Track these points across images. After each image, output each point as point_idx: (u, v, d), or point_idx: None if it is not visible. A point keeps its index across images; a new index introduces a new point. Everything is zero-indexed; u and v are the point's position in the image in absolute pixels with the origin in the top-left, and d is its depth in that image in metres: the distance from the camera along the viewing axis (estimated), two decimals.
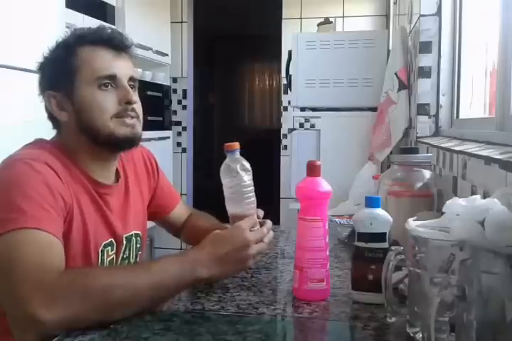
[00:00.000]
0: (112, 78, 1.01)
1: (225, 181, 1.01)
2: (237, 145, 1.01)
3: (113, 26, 0.98)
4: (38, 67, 1.05)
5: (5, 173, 0.91)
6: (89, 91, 1.00)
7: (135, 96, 1.04)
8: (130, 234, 1.11)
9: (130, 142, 1.04)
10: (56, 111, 1.03)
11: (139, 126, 1.05)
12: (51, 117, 1.06)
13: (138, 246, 1.14)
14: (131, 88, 1.05)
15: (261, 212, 1.08)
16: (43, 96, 1.04)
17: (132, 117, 1.03)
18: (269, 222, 1.06)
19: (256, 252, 0.98)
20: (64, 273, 0.84)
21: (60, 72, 1.02)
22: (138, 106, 1.05)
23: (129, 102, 1.02)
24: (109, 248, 1.05)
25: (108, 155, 1.06)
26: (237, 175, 1.00)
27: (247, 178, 1.01)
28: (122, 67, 1.03)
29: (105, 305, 0.80)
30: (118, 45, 1.04)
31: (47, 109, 1.05)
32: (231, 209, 1.03)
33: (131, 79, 1.05)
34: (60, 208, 0.92)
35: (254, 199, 1.03)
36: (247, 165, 1.01)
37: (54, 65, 1.03)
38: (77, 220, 0.97)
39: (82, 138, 1.02)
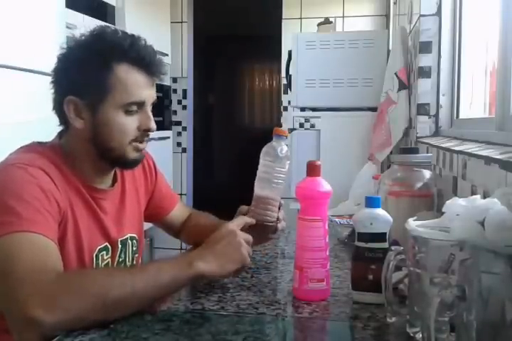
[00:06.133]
0: (140, 104, 1.01)
1: (263, 160, 1.04)
2: (286, 132, 1.06)
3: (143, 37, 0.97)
4: (59, 58, 1.01)
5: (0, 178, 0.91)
6: (115, 113, 0.99)
7: (155, 124, 1.04)
8: (125, 237, 1.11)
9: (134, 165, 1.07)
10: (72, 117, 1.00)
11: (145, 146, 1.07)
12: (61, 116, 1.03)
13: (134, 249, 1.14)
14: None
15: (282, 202, 1.11)
16: (60, 96, 1.01)
17: (145, 142, 1.04)
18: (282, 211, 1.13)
19: (245, 240, 0.99)
20: (61, 274, 0.84)
21: (91, 84, 0.98)
22: None
23: (149, 130, 1.03)
24: (104, 252, 1.05)
25: (109, 167, 1.07)
26: (276, 158, 1.03)
27: (285, 165, 1.04)
28: (150, 93, 1.03)
29: (103, 304, 0.80)
30: (154, 72, 1.03)
31: (57, 108, 1.02)
32: (258, 190, 1.06)
33: (154, 103, 1.06)
34: (55, 212, 0.92)
35: (282, 186, 1.06)
36: (289, 154, 1.05)
37: (85, 73, 0.98)
38: (71, 225, 0.97)
39: (89, 148, 1.02)
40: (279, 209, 1.10)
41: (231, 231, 0.98)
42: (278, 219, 1.09)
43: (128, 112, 1.00)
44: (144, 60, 1.01)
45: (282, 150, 1.03)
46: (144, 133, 1.03)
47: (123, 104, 0.99)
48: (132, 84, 0.99)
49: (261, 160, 1.04)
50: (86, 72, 0.98)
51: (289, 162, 1.05)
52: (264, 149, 1.04)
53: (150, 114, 1.03)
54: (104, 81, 0.98)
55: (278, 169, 1.03)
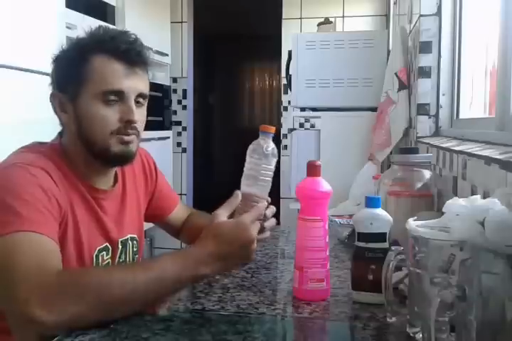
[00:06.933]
0: (118, 93, 0.99)
1: (250, 159, 1.02)
2: (273, 129, 1.02)
3: (133, 33, 0.96)
4: (52, 59, 1.03)
5: (0, 178, 0.91)
6: (94, 103, 0.98)
7: (138, 115, 1.01)
8: (125, 238, 1.10)
9: (123, 159, 1.04)
10: (58, 111, 1.03)
11: (136, 143, 1.03)
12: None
13: (135, 249, 1.14)
14: (138, 104, 1.03)
15: (269, 199, 1.05)
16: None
17: (131, 135, 1.01)
18: (273, 208, 1.04)
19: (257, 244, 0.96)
20: (62, 273, 0.84)
21: (69, 76, 1.00)
22: (140, 124, 1.03)
23: (130, 121, 1.00)
24: (104, 253, 1.05)
25: (103, 165, 1.05)
26: (263, 155, 1.00)
27: (272, 162, 1.02)
28: (132, 84, 1.00)
29: (103, 303, 0.80)
30: (133, 59, 1.00)
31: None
32: (245, 187, 1.03)
33: (140, 95, 1.03)
34: (56, 211, 0.92)
35: (269, 184, 1.03)
36: (276, 150, 1.02)
37: (66, 67, 1.01)
38: (71, 225, 0.97)
39: (78, 144, 1.02)
40: (267, 207, 1.05)
41: (249, 236, 0.91)
42: (265, 216, 1.04)
43: (107, 103, 0.98)
44: (121, 49, 0.99)
45: (268, 147, 1.01)
46: (126, 126, 0.99)
47: (99, 92, 0.98)
48: (108, 73, 0.98)
49: (247, 158, 1.02)
50: (65, 66, 1.02)
51: (275, 159, 1.02)
52: (251, 146, 1.02)
53: (132, 105, 1.00)
54: (80, 72, 0.98)
55: (264, 166, 1.01)
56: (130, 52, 1.00)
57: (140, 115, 1.03)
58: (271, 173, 1.02)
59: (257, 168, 1.01)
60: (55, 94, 1.03)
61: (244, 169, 1.03)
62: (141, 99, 1.03)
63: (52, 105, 1.04)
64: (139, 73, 1.02)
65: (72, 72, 1.00)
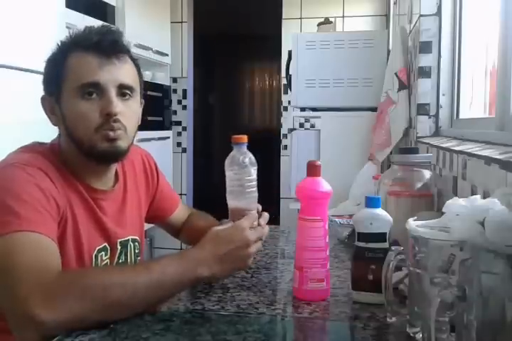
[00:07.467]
0: (95, 86, 0.96)
1: (229, 173, 0.99)
2: (245, 138, 0.99)
3: (113, 25, 0.95)
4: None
5: None
6: (73, 101, 0.97)
7: (121, 108, 0.98)
8: (126, 239, 1.10)
9: (111, 157, 1.02)
10: (48, 114, 1.04)
11: (126, 139, 1.00)
12: None
13: (137, 251, 1.13)
14: (125, 96, 1.00)
15: (260, 207, 1.05)
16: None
17: (117, 130, 0.98)
18: (266, 215, 1.04)
19: (255, 251, 0.98)
20: (62, 273, 0.84)
21: (51, 78, 1.01)
22: (125, 117, 0.99)
23: (109, 114, 0.96)
24: (103, 253, 1.04)
25: (96, 164, 1.03)
26: (242, 168, 0.98)
27: (252, 172, 0.99)
28: (109, 75, 0.97)
29: (104, 304, 0.80)
30: (106, 50, 0.97)
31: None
32: (232, 202, 1.01)
33: (123, 86, 0.99)
34: (54, 211, 0.92)
35: (256, 194, 1.01)
36: (253, 158, 0.99)
37: (48, 69, 1.03)
38: (70, 225, 0.97)
39: (71, 145, 1.01)
40: (259, 217, 1.04)
41: (244, 237, 0.95)
42: (260, 225, 1.03)
43: (85, 97, 0.97)
44: (92, 41, 0.97)
45: (245, 158, 0.98)
46: (107, 119, 0.96)
47: (76, 87, 0.97)
48: (83, 67, 0.97)
49: (227, 172, 0.99)
50: (47, 69, 1.03)
51: (255, 168, 0.99)
52: (227, 160, 0.99)
53: (111, 97, 0.96)
54: (59, 72, 0.99)
55: (247, 178, 0.98)
56: (102, 43, 0.98)
57: (126, 108, 0.99)
58: (255, 183, 1.00)
59: (240, 182, 0.98)
60: (44, 97, 1.03)
61: (227, 186, 1.00)
62: (126, 91, 1.00)
63: (43, 108, 1.04)
64: (117, 63, 0.99)
65: (53, 74, 1.01)
